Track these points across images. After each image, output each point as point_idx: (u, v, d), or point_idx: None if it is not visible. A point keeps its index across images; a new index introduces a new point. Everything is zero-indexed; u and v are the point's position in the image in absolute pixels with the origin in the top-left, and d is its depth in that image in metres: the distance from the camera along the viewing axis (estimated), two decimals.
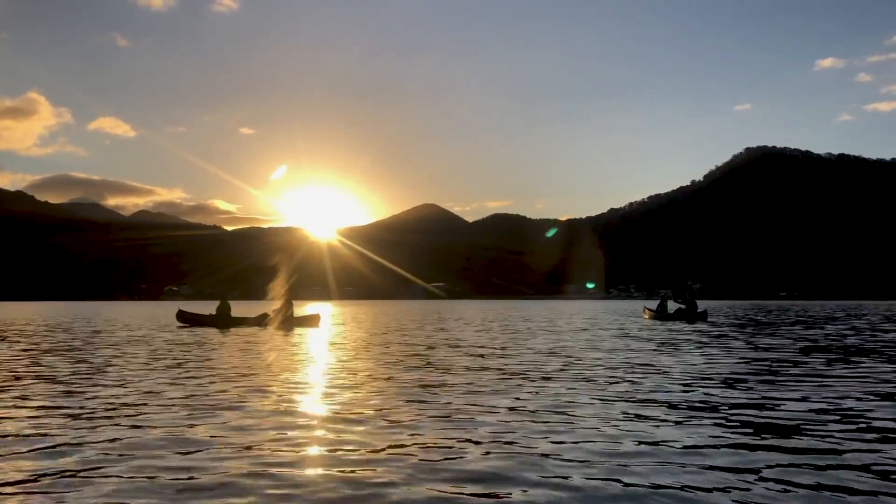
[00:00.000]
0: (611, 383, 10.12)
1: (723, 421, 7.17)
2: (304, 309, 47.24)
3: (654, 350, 16.24)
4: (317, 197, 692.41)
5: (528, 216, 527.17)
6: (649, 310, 40.06)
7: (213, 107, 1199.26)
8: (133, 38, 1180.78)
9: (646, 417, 7.35)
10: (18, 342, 19.87)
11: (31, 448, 6.01)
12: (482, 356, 14.74)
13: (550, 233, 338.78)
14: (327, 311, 59.50)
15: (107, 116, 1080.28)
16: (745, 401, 8.50)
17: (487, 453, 5.78)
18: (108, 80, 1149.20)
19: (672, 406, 8.08)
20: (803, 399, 8.63)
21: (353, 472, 5.24)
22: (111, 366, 12.92)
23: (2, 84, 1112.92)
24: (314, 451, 5.94)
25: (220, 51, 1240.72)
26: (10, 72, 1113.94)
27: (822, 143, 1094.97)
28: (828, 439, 6.32)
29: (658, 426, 6.88)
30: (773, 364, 12.88)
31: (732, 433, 6.58)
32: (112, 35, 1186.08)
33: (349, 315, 50.48)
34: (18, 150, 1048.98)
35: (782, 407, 8.06)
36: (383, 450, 5.94)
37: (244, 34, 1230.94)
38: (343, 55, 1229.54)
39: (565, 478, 5.02)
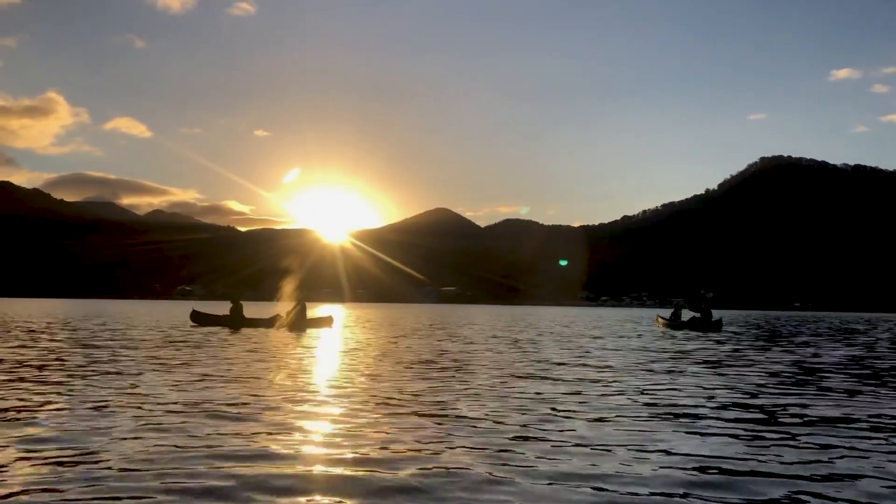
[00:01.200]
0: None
1: None
2: (316, 311, 47.28)
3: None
4: (329, 199, 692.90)
5: (540, 222, 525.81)
6: (662, 318, 39.83)
7: (228, 109, 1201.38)
8: (150, 39, 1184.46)
9: None
10: (40, 339, 19.94)
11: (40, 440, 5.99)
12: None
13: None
14: (340, 313, 59.49)
15: (123, 117, 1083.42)
16: None
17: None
18: (125, 80, 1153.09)
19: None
20: None
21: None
22: (121, 364, 12.93)
23: (21, 83, 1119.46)
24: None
25: (235, 54, 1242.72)
26: (29, 71, 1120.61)
27: (837, 153, 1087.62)
28: None
29: None
30: None
31: None
32: (129, 37, 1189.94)
33: (366, 317, 50.50)
34: (36, 149, 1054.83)
35: None
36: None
37: (260, 37, 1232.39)
38: (356, 58, 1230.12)
39: None
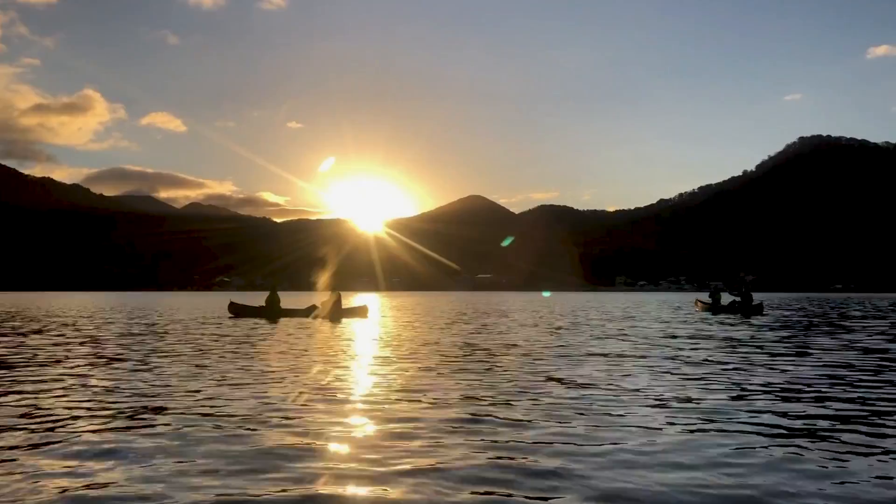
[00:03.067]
0: None
1: None
2: (352, 300, 47.40)
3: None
4: (364, 189, 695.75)
5: (575, 207, 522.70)
6: (702, 302, 39.26)
7: (262, 102, 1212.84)
8: (184, 35, 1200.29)
9: None
10: (84, 331, 20.14)
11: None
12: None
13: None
14: (375, 303, 59.58)
15: (159, 112, 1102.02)
16: None
17: None
18: (160, 76, 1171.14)
19: None
20: None
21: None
22: (167, 356, 12.94)
23: (59, 81, 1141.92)
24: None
25: (267, 47, 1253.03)
26: (68, 69, 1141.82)
27: (876, 132, 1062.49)
28: None
29: None
30: None
31: None
32: (163, 33, 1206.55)
33: (400, 306, 50.45)
34: (75, 145, 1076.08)
35: None
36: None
37: (291, 31, 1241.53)
38: (388, 48, 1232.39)
39: None
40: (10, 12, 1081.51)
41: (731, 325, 23.80)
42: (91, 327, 22.66)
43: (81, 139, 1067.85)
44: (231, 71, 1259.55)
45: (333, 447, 5.75)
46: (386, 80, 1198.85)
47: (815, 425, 6.62)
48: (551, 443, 5.88)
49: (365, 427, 6.54)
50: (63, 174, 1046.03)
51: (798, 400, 8.02)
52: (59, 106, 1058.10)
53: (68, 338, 17.73)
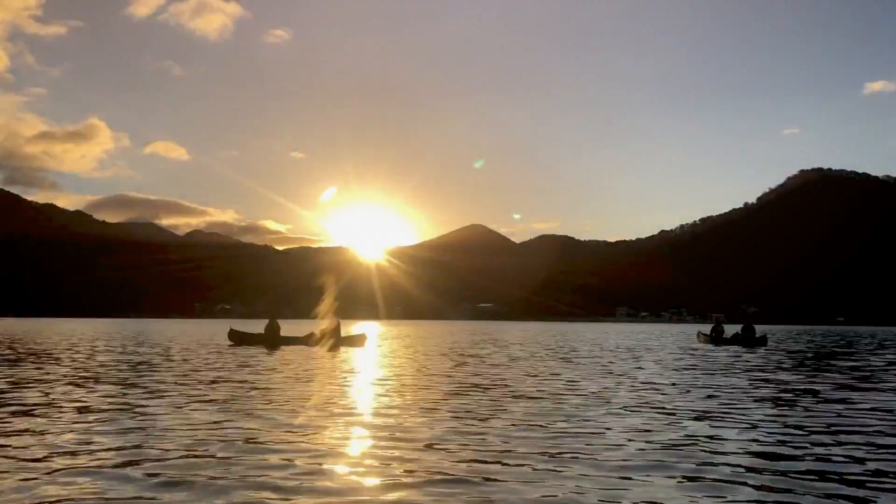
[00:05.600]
0: None
1: None
2: (351, 328, 47.29)
3: None
4: (365, 217, 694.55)
5: (576, 237, 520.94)
6: (703, 334, 39.02)
7: (265, 131, 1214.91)
8: (188, 66, 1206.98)
9: None
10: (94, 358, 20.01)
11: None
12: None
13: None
14: (375, 331, 59.36)
15: (162, 140, 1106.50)
16: None
17: None
18: (165, 106, 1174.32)
19: None
20: None
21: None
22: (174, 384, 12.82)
23: (65, 110, 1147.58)
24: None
25: (271, 79, 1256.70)
26: (73, 99, 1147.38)
27: (873, 167, 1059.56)
28: None
29: None
30: None
31: None
32: (169, 64, 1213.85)
33: (399, 335, 50.28)
34: (79, 173, 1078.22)
35: None
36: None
37: (295, 63, 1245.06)
38: (390, 80, 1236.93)
39: None
40: (20, 44, 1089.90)
41: (737, 358, 23.61)
42: (86, 355, 22.54)
43: (85, 167, 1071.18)
44: (235, 101, 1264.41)
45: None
46: (388, 111, 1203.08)
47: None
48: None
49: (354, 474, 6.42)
50: (66, 201, 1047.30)
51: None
52: (63, 134, 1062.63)
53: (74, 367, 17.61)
